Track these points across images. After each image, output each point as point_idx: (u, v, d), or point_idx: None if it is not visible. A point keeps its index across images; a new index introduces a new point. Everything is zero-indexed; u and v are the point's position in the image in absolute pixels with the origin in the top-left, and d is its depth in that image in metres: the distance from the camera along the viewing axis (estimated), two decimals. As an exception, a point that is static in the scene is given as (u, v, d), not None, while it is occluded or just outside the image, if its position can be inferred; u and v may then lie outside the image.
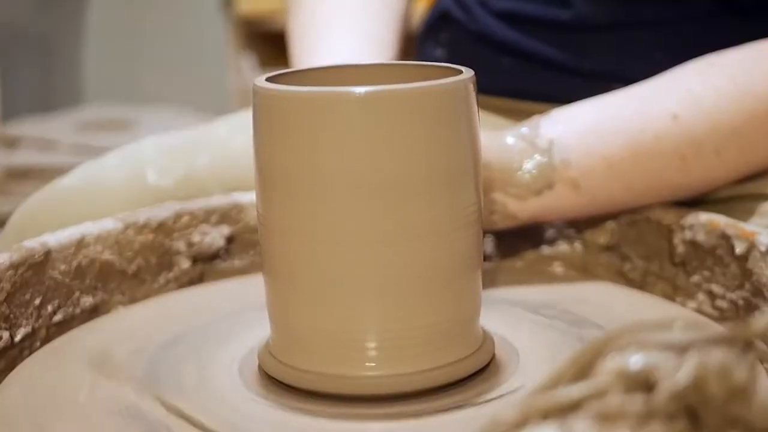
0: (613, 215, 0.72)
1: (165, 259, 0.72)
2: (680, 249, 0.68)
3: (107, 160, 0.85)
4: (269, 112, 0.53)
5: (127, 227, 0.70)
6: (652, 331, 0.34)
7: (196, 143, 0.85)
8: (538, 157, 0.67)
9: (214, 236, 0.74)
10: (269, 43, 2.55)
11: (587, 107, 0.70)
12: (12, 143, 2.48)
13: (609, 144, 0.68)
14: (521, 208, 0.68)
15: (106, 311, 0.68)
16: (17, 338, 0.62)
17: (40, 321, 0.64)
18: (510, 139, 0.68)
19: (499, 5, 0.88)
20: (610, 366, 0.33)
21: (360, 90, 0.50)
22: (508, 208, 0.68)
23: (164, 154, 0.83)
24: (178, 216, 0.73)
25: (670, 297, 0.69)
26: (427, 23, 0.98)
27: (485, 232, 0.56)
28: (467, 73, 0.54)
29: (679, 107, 0.68)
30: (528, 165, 0.67)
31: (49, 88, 3.03)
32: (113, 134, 2.47)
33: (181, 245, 0.73)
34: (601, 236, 0.73)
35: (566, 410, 0.33)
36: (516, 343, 0.59)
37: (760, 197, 0.72)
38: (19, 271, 0.62)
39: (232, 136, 0.85)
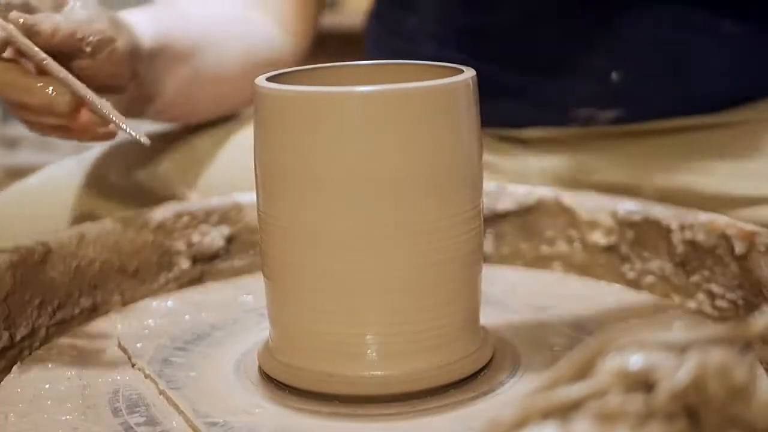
0: None
1: (165, 259, 0.72)
2: (680, 249, 0.68)
3: (68, 162, 0.87)
4: (270, 112, 0.53)
5: (126, 227, 0.70)
6: (652, 331, 0.34)
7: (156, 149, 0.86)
8: None
9: (214, 236, 0.74)
10: (269, 43, 2.54)
11: None
12: (12, 143, 2.48)
13: None
14: None
15: (106, 311, 0.68)
16: (17, 338, 0.62)
17: (40, 321, 0.64)
18: None
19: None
20: (610, 366, 0.33)
21: (361, 90, 0.50)
22: None
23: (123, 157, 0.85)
24: (177, 216, 0.73)
25: (670, 297, 0.69)
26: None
27: None
28: (468, 72, 0.54)
29: None
30: None
31: (49, 88, 3.03)
32: (113, 134, 2.47)
33: (181, 245, 0.73)
34: (601, 236, 0.73)
35: (566, 410, 0.33)
36: (516, 343, 0.59)
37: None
38: (19, 271, 0.62)
39: (196, 135, 0.87)
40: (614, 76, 0.83)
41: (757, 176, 0.79)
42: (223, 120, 0.89)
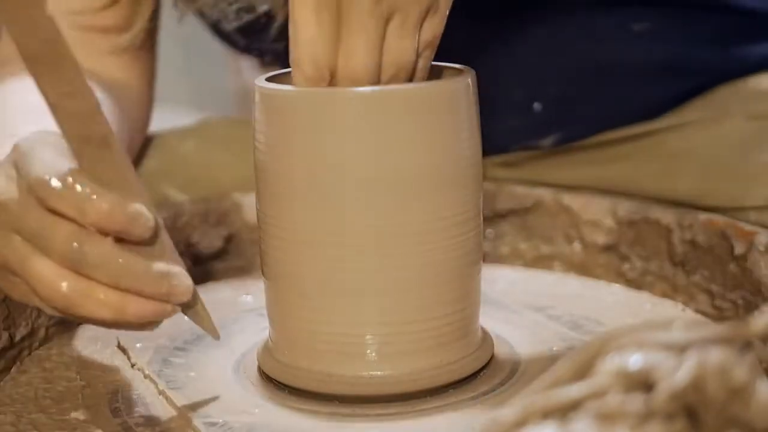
0: None
1: (165, 259, 0.72)
2: (680, 249, 0.68)
3: None
4: (270, 112, 0.53)
5: (126, 227, 0.70)
6: (651, 331, 0.34)
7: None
8: None
9: (213, 236, 0.74)
10: (269, 43, 2.54)
11: None
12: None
13: None
14: None
15: (106, 311, 0.68)
16: (17, 338, 0.62)
17: (40, 321, 0.64)
18: None
19: None
20: (609, 366, 0.33)
21: (361, 90, 0.50)
22: None
23: None
24: (177, 216, 0.72)
25: (670, 297, 0.69)
26: None
27: None
28: (468, 73, 0.54)
29: None
30: None
31: (48, 88, 3.03)
32: (113, 134, 2.47)
33: (180, 245, 0.72)
34: (601, 236, 0.73)
35: (566, 410, 0.33)
36: (515, 343, 0.59)
37: None
38: (19, 271, 0.62)
39: (181, 143, 0.86)
40: (536, 106, 0.82)
41: (734, 178, 0.76)
42: (207, 120, 0.88)
